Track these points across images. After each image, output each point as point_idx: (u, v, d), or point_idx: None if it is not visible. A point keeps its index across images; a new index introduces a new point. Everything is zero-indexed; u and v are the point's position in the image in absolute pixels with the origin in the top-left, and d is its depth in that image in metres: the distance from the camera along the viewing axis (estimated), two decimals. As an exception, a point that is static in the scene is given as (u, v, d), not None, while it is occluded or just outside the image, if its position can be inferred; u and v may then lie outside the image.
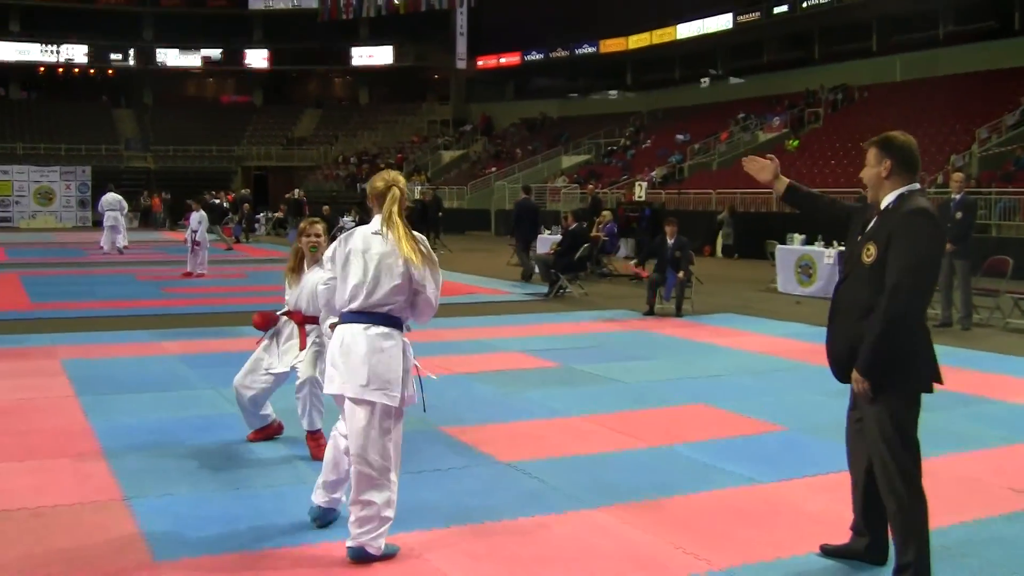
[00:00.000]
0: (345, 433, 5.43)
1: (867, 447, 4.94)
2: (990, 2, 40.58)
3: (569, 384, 10.00)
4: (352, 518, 5.18)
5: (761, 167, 5.43)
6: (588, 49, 59.53)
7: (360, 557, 5.13)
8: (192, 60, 68.22)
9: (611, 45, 58.03)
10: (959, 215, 14.39)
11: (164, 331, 13.29)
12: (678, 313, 15.55)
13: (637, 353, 12.07)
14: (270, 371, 7.36)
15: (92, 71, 67.79)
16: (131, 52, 66.68)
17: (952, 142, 33.11)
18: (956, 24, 43.17)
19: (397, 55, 68.21)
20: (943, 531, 5.56)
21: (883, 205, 4.88)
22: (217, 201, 42.04)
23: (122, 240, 29.81)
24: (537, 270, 20.25)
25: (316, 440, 7.10)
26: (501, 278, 22.09)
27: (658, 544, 5.42)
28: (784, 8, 47.22)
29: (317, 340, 7.08)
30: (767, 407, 8.88)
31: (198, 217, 22.05)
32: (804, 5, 46.15)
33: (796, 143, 40.02)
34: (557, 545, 5.42)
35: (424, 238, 5.44)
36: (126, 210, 32.38)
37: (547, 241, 23.20)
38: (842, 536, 5.33)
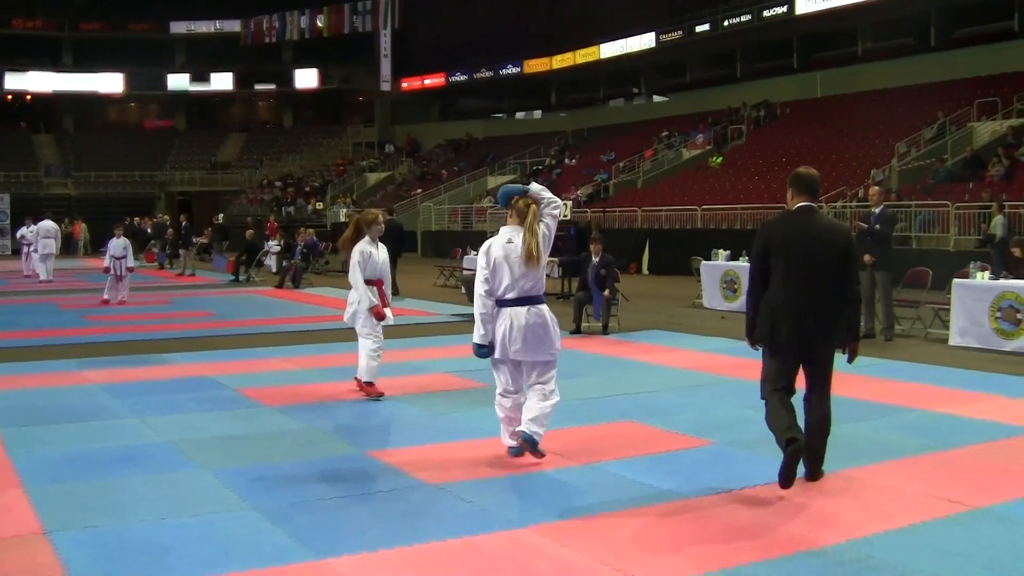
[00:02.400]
0: (505, 393, 7.74)
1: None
2: (906, 20, 41.36)
3: (498, 404, 9.99)
4: (535, 423, 7.47)
5: None
6: (512, 70, 59.72)
7: (532, 442, 7.45)
8: (113, 85, 67.23)
9: (535, 65, 58.26)
10: (878, 227, 14.61)
11: (87, 360, 13.06)
12: (605, 331, 15.62)
13: (564, 371, 11.96)
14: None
15: (9, 97, 66.71)
16: (51, 77, 65.66)
17: (873, 156, 33.66)
18: (874, 41, 43.99)
19: (322, 78, 67.96)
20: (868, 540, 5.65)
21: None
22: (143, 228, 41.61)
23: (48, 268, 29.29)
24: (464, 291, 20.23)
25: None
26: (428, 299, 22.08)
27: (588, 562, 5.42)
28: (706, 27, 47.72)
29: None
30: (694, 422, 8.94)
31: (122, 244, 21.61)
32: (725, 24, 46.66)
33: (720, 160, 40.43)
34: (488, 565, 5.40)
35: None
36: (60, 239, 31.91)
37: (473, 262, 23.19)
38: (771, 548, 5.40)
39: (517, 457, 7.61)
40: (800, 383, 6.89)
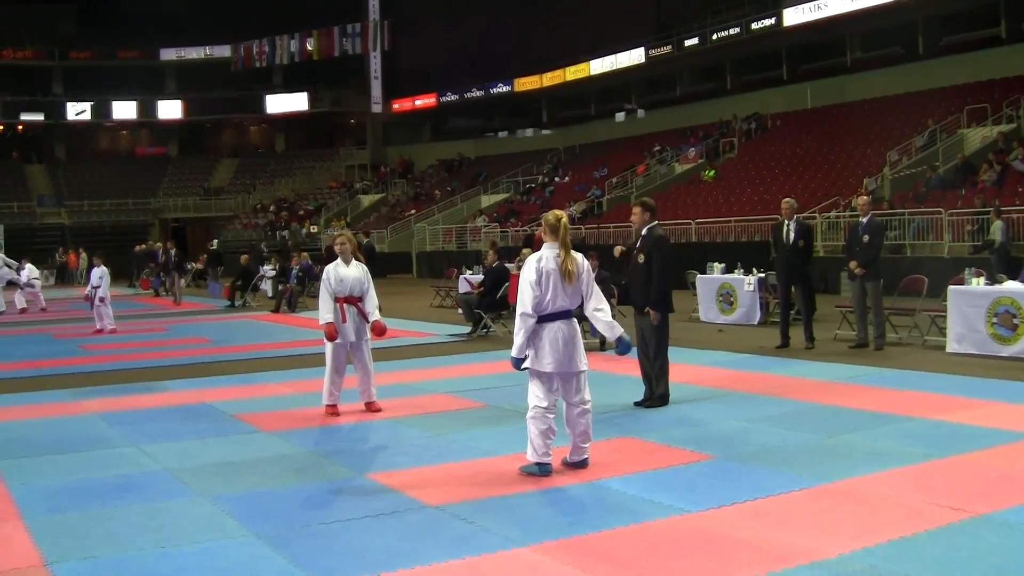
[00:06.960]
0: (551, 408, 7.72)
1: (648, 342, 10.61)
2: (894, 30, 41.53)
3: (496, 423, 9.98)
4: (580, 441, 7.84)
5: None
6: (503, 88, 59.88)
7: (585, 464, 7.83)
8: (104, 113, 67.18)
9: (525, 83, 58.44)
10: (866, 238, 14.60)
11: (83, 389, 13.01)
12: (602, 347, 15.59)
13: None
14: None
15: (1, 127, 66.66)
16: (41, 107, 65.67)
17: (864, 165, 33.70)
18: (863, 51, 44.18)
19: (312, 101, 68.03)
20: (869, 550, 5.62)
21: (643, 232, 10.73)
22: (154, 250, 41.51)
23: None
24: (461, 310, 20.21)
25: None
26: (425, 320, 22.05)
27: (590, 580, 5.40)
28: (695, 40, 47.91)
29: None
30: (693, 436, 8.92)
31: (99, 273, 21.57)
32: (714, 37, 46.86)
33: (712, 173, 40.47)
34: (489, 587, 5.38)
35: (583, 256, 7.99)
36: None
37: (470, 280, 23.18)
38: (774, 561, 5.38)
39: (544, 476, 7.62)
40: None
